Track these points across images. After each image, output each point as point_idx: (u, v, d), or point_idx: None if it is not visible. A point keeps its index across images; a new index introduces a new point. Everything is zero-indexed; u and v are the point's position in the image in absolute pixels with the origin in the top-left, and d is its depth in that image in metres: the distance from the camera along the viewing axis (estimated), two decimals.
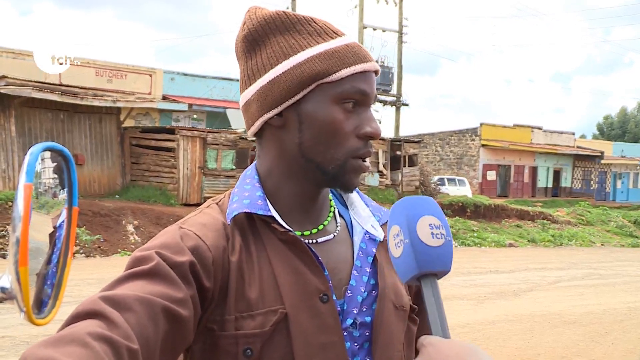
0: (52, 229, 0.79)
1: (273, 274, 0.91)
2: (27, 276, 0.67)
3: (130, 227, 13.51)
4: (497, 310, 8.34)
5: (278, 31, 0.94)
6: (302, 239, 0.94)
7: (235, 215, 0.93)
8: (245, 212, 0.94)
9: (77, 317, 0.72)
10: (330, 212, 1.03)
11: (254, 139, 1.01)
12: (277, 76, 0.92)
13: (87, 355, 0.64)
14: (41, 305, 0.75)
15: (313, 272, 0.92)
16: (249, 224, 0.94)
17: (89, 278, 8.96)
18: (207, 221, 0.93)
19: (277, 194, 0.98)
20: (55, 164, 0.80)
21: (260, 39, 0.95)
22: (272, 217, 0.93)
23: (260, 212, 0.93)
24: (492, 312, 8.20)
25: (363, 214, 1.04)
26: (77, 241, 11.83)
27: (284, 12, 0.96)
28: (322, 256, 0.94)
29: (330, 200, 1.04)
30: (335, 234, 1.00)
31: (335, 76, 0.91)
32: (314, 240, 0.97)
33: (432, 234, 0.74)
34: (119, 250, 12.45)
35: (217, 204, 0.99)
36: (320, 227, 0.99)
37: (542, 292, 10.08)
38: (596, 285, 11.14)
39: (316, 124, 0.92)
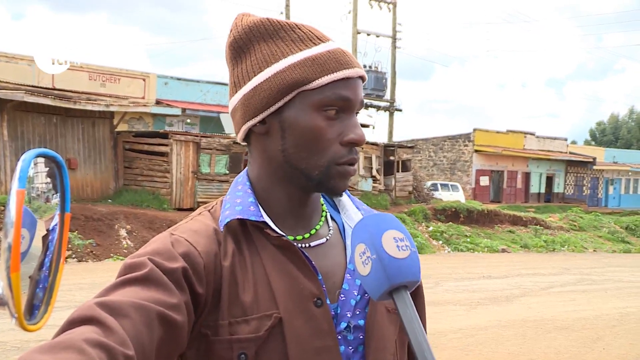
0: (46, 232, 0.79)
1: (267, 278, 0.91)
2: (18, 282, 0.67)
3: (123, 232, 13.46)
4: (489, 316, 8.36)
5: (262, 38, 0.94)
6: (295, 244, 0.94)
7: (228, 222, 0.94)
8: (238, 219, 0.94)
9: (72, 323, 0.72)
10: (322, 216, 1.03)
11: (246, 143, 1.02)
12: (259, 84, 0.92)
13: None
14: (33, 310, 0.75)
15: (307, 277, 0.92)
16: (242, 230, 0.95)
17: (82, 283, 8.92)
18: (198, 228, 0.94)
19: (267, 199, 0.98)
20: (47, 169, 0.80)
21: (245, 46, 0.95)
22: (265, 223, 0.94)
23: (252, 218, 0.93)
24: (485, 318, 8.22)
25: (355, 217, 1.04)
26: (70, 245, 11.77)
27: (268, 19, 0.96)
28: (315, 260, 0.94)
29: (322, 204, 1.05)
30: (327, 237, 1.00)
31: (316, 83, 0.91)
32: (307, 245, 0.97)
33: (398, 246, 0.75)
34: (112, 254, 12.40)
35: (208, 211, 0.99)
36: (313, 231, 1.00)
37: (534, 298, 10.11)
38: (588, 290, 11.18)
39: (298, 131, 0.92)
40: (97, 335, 0.69)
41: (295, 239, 0.97)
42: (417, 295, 1.08)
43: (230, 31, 0.98)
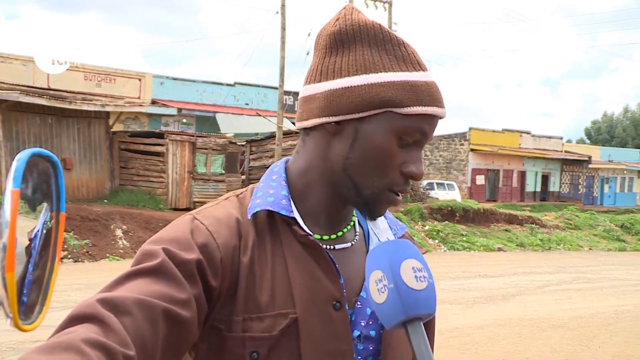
0: (28, 242, 0.78)
1: (287, 275, 0.90)
2: (13, 282, 0.67)
3: (119, 232, 13.44)
4: (485, 315, 8.37)
5: (367, 42, 0.92)
6: (321, 244, 0.93)
7: (257, 212, 0.93)
8: (267, 210, 0.93)
9: (73, 321, 0.71)
10: (351, 220, 1.02)
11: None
12: (351, 86, 0.90)
13: None
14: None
15: (329, 278, 0.91)
16: (269, 222, 0.94)
17: (77, 283, 8.91)
18: (222, 215, 0.92)
19: (304, 195, 0.97)
20: (43, 169, 0.80)
21: (348, 41, 0.93)
22: (294, 219, 0.93)
23: (283, 212, 0.92)
24: (481, 316, 8.23)
25: (381, 225, 1.03)
26: (66, 246, 11.74)
27: (380, 25, 0.94)
28: (338, 263, 0.93)
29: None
30: (353, 242, 1.00)
31: (406, 110, 0.89)
32: (332, 247, 0.97)
33: (416, 277, 0.74)
34: (108, 255, 12.39)
35: (237, 196, 0.98)
36: (340, 233, 0.99)
37: (530, 296, 10.13)
38: (584, 289, 11.21)
39: (369, 146, 0.91)
40: (96, 335, 0.68)
41: (321, 239, 0.96)
42: (429, 321, 1.06)
43: (337, 20, 0.95)
